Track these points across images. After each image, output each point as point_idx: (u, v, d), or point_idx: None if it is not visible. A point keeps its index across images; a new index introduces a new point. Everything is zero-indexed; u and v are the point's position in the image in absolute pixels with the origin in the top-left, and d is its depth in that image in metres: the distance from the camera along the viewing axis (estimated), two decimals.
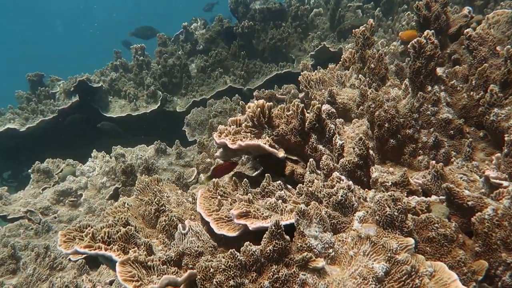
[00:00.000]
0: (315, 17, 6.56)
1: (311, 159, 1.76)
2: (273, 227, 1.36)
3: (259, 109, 1.99)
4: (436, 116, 1.90)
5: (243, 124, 2.02)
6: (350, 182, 1.58)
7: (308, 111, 2.02)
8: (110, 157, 3.81)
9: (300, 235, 1.43)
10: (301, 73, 2.60)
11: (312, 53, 5.66)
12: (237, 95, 4.28)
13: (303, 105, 1.98)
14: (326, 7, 6.63)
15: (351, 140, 2.13)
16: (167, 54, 6.77)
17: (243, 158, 2.50)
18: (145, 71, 6.59)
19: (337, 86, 2.52)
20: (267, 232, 1.38)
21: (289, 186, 2.00)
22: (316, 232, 1.44)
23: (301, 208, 1.43)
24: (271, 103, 2.08)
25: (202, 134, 4.35)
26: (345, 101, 2.37)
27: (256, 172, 2.21)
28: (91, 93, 5.83)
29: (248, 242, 1.36)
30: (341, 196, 1.53)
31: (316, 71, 2.64)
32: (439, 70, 2.13)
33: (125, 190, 3.17)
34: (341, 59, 2.63)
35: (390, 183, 1.70)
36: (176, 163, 3.47)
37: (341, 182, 1.62)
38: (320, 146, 1.97)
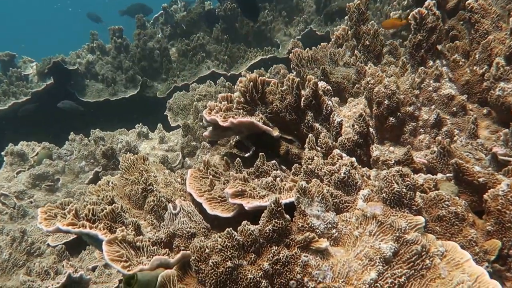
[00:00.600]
0: (300, 0, 6.43)
1: (310, 135, 1.65)
2: (272, 205, 1.25)
3: (251, 83, 1.86)
4: (438, 92, 1.81)
5: (235, 100, 1.89)
6: (353, 159, 1.48)
7: (304, 87, 1.90)
8: (89, 141, 3.62)
9: (301, 214, 1.32)
10: (292, 50, 2.47)
11: (298, 37, 5.53)
12: (222, 77, 4.11)
13: (298, 79, 1.86)
14: None
15: (348, 119, 2.03)
16: (146, 37, 6.54)
17: (231, 141, 2.38)
18: (123, 54, 6.35)
19: (330, 65, 2.42)
20: (265, 211, 1.26)
21: (284, 167, 1.89)
22: (318, 211, 1.34)
23: (302, 185, 1.31)
24: (264, 77, 1.96)
25: (185, 119, 4.18)
26: (339, 80, 2.26)
27: (248, 154, 2.09)
28: (66, 76, 5.57)
29: (246, 221, 1.25)
30: (344, 173, 1.42)
31: (307, 48, 2.51)
32: (438, 47, 2.04)
33: (106, 174, 3.01)
34: (334, 36, 2.52)
35: (393, 161, 1.60)
36: (159, 148, 3.32)
37: (343, 159, 1.51)
38: (317, 125, 1.86)
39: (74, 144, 3.59)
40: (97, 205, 1.23)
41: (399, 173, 1.31)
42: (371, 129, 1.76)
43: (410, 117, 1.86)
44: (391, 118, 1.86)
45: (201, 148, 2.71)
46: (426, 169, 1.61)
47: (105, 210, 1.19)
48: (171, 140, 3.40)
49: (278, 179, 1.51)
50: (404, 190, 1.29)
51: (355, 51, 2.37)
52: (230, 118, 1.81)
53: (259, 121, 1.83)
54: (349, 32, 2.51)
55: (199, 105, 3.61)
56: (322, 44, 2.60)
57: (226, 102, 1.92)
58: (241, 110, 1.87)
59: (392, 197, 1.30)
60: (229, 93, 2.00)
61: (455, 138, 1.74)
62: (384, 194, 1.32)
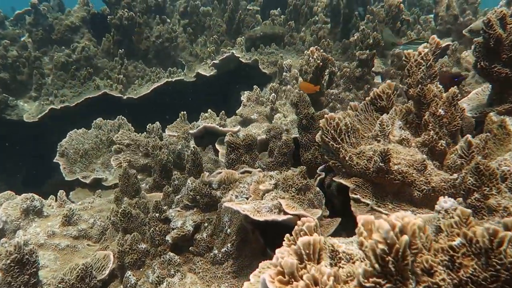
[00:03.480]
0: (204, 17, 5.64)
1: None
2: None
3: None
4: None
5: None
6: None
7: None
8: None
9: None
10: (325, 116, 1.71)
11: (215, 61, 4.75)
12: (157, 123, 2.86)
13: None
14: (219, 7, 5.78)
15: None
16: (7, 39, 4.99)
17: None
18: None
19: (379, 141, 1.72)
20: None
21: None
22: None
23: None
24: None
25: (86, 170, 3.06)
26: (403, 169, 1.59)
27: None
28: None
29: None
30: None
31: (340, 113, 1.77)
32: None
33: None
34: (371, 95, 1.81)
35: None
36: (63, 233, 2.19)
37: None
38: None
39: None
40: None
41: None
42: None
43: None
44: None
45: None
46: None
47: None
48: (83, 220, 2.28)
49: None
50: None
51: (410, 115, 1.68)
52: None
53: None
54: (395, 92, 1.84)
55: (125, 165, 2.58)
56: (352, 104, 1.88)
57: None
58: None
59: None
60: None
61: None
62: None
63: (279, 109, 2.96)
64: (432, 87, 1.51)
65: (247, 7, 5.60)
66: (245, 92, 4.26)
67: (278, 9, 5.34)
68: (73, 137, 3.20)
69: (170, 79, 4.97)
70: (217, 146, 2.59)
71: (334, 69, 3.06)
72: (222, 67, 4.78)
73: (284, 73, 3.34)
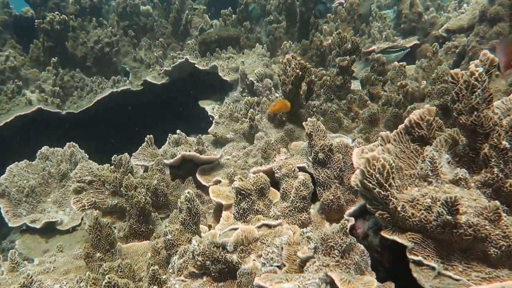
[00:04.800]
0: (146, 17, 5.15)
1: None
2: None
3: None
4: None
5: None
6: None
7: None
8: None
9: None
10: (368, 156, 1.40)
11: (167, 68, 4.31)
12: (127, 155, 2.35)
13: None
14: (162, 7, 5.31)
15: None
16: None
17: None
18: None
19: (431, 182, 1.43)
20: None
21: None
22: None
23: None
24: None
25: (35, 212, 2.55)
26: (473, 221, 1.28)
27: None
28: None
29: None
30: None
31: (378, 148, 1.46)
32: None
33: None
34: (407, 123, 1.53)
35: None
36: None
37: None
38: None
39: None
40: None
41: None
42: None
43: None
44: None
45: None
46: None
47: None
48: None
49: None
50: None
51: (460, 147, 1.42)
52: None
53: None
54: (437, 120, 1.58)
55: (83, 199, 2.15)
56: (383, 134, 1.59)
57: None
58: None
59: None
60: None
61: None
62: None
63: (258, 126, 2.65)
64: (489, 113, 1.29)
65: (193, 6, 5.18)
66: (212, 105, 3.91)
67: (229, 8, 4.99)
68: (14, 172, 2.66)
69: (115, 89, 4.45)
70: (199, 177, 2.23)
71: (313, 77, 2.81)
72: (174, 74, 4.36)
73: (256, 84, 3.04)
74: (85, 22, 4.80)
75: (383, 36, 4.09)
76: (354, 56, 2.90)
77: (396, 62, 3.03)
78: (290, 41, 4.27)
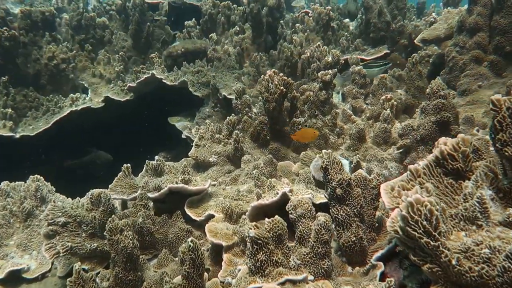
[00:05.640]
0: (103, 30, 4.85)
1: None
2: None
3: None
4: None
5: None
6: None
7: None
8: None
9: None
10: (408, 200, 1.22)
11: (131, 84, 4.05)
12: (92, 195, 2.13)
13: None
14: (119, 18, 5.02)
15: None
16: None
17: None
18: None
19: (480, 226, 1.26)
20: None
21: None
22: None
23: None
24: None
25: None
26: None
27: None
28: None
29: None
30: None
31: (416, 187, 1.29)
32: None
33: None
34: (437, 154, 1.38)
35: None
36: None
37: None
38: None
39: None
40: None
41: None
42: None
43: None
44: None
45: None
46: None
47: None
48: None
49: None
50: None
51: (505, 182, 1.30)
52: None
53: None
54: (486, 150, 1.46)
55: (57, 245, 1.90)
56: (413, 167, 1.41)
57: None
58: None
59: None
60: None
61: None
62: None
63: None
64: None
65: (154, 18, 4.94)
66: (182, 122, 3.70)
67: (193, 20, 4.80)
68: None
69: (74, 108, 4.13)
70: (188, 210, 2.03)
71: (295, 93, 2.69)
72: (140, 90, 4.11)
73: (234, 101, 2.88)
74: (37, 37, 4.43)
75: (353, 46, 4.06)
76: (336, 69, 2.82)
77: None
78: (260, 53, 4.14)
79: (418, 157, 2.15)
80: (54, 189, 2.58)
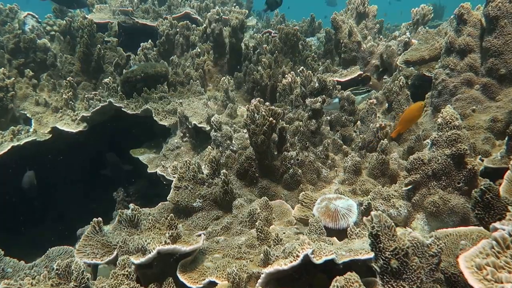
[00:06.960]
0: (44, 53, 4.34)
1: None
2: None
3: None
4: None
5: None
6: None
7: None
8: None
9: None
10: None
11: (85, 114, 3.60)
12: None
13: None
14: (65, 41, 4.54)
15: None
16: None
17: None
18: None
19: None
20: None
21: None
22: None
23: None
24: None
25: None
26: None
27: None
28: None
29: None
30: None
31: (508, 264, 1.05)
32: None
33: None
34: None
35: None
36: None
37: None
38: None
39: None
40: None
41: None
42: None
43: None
44: None
45: None
46: None
47: None
48: None
49: None
50: None
51: None
52: None
53: None
54: None
55: None
56: (505, 237, 1.21)
57: None
58: None
59: None
60: None
61: None
62: None
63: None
64: None
65: (105, 39, 4.51)
66: (150, 157, 3.31)
67: (149, 41, 4.44)
68: None
69: (16, 143, 3.60)
70: (181, 276, 1.68)
71: (284, 124, 2.44)
72: (94, 120, 3.66)
73: (214, 133, 2.57)
74: None
75: (323, 67, 3.91)
76: (324, 95, 2.61)
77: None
78: (227, 76, 3.87)
79: (429, 193, 1.97)
80: (2, 252, 2.11)
